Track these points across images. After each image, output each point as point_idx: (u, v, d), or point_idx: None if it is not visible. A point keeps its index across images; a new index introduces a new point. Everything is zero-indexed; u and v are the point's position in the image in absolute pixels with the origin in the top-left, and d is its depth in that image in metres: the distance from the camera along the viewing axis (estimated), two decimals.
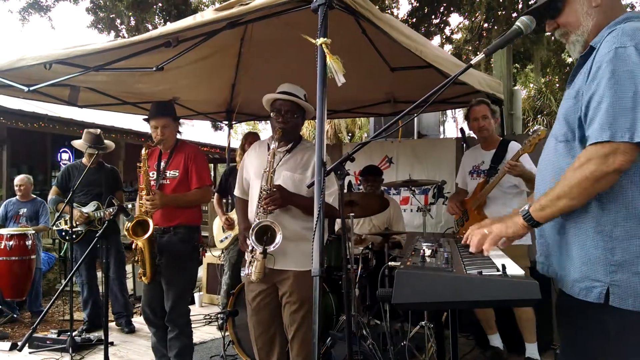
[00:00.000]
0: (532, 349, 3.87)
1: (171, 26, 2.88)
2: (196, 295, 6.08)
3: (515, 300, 1.47)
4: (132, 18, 8.43)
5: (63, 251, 7.28)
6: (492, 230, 1.69)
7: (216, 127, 10.09)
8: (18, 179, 6.11)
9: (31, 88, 3.58)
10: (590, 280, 1.51)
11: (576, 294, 1.55)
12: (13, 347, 4.71)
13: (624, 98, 1.43)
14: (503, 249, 1.79)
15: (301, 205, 2.93)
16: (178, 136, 3.76)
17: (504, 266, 1.49)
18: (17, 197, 6.07)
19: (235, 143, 8.62)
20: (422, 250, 1.76)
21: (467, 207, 3.97)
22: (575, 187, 1.49)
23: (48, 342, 4.58)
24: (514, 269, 1.53)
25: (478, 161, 3.99)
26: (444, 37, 9.93)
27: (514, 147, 3.76)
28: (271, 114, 3.02)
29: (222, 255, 5.45)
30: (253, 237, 2.81)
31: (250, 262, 2.93)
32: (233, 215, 4.83)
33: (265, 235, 2.83)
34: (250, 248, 2.90)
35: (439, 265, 1.61)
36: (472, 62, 1.81)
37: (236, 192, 3.32)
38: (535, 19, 1.76)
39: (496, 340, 4.06)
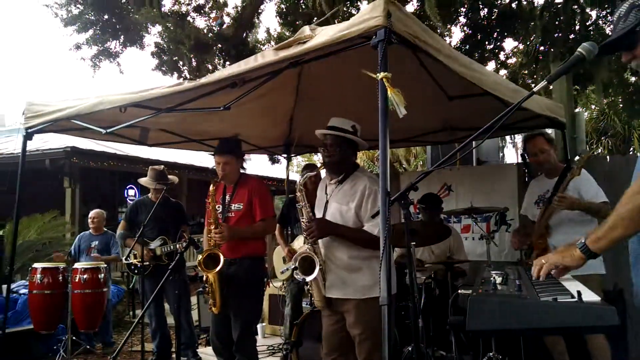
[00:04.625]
0: None
1: (236, 68, 2.98)
2: (259, 326, 6.14)
3: (592, 327, 1.44)
4: (193, 60, 8.85)
5: (132, 284, 7.55)
6: (548, 259, 1.71)
7: (273, 161, 10.27)
8: (92, 213, 6.46)
9: (108, 130, 3.77)
10: None
11: None
12: None
13: None
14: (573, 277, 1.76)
15: (344, 236, 2.99)
16: (242, 171, 3.91)
17: (579, 292, 1.46)
18: (90, 230, 6.40)
19: (293, 175, 8.73)
20: (492, 278, 1.76)
21: (532, 239, 3.78)
22: (626, 217, 1.49)
23: None
24: (590, 295, 1.50)
25: (544, 190, 3.82)
26: (499, 62, 9.82)
27: None
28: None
29: (284, 286, 5.51)
30: (298, 268, 2.96)
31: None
32: (295, 246, 4.90)
33: (312, 265, 2.96)
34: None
35: (512, 292, 1.60)
36: (535, 89, 1.83)
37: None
38: (610, 49, 1.77)
39: None
